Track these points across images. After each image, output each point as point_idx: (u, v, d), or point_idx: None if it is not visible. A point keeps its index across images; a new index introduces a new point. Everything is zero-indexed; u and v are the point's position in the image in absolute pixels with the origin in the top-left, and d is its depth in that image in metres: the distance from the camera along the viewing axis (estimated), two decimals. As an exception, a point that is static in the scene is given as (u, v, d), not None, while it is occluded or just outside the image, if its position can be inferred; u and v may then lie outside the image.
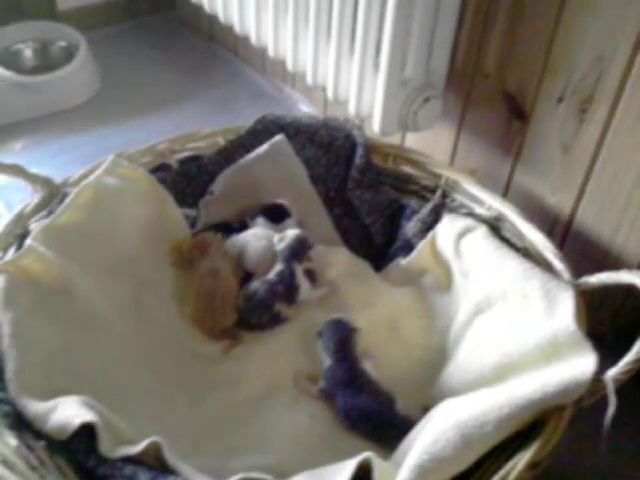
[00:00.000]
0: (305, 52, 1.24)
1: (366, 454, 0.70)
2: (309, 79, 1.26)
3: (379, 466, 0.68)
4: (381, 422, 0.85)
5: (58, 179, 1.01)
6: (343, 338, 0.90)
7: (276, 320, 0.97)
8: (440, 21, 1.07)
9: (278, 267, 0.98)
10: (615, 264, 1.00)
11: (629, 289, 0.96)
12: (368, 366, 0.90)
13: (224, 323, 0.97)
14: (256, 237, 1.03)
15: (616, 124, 0.96)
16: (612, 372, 0.72)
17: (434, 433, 0.70)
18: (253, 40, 1.37)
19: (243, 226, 1.09)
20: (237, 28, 1.40)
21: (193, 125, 1.22)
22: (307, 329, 0.95)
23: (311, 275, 1.01)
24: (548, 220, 1.10)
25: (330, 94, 1.21)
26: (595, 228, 1.04)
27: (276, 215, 1.08)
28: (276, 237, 1.01)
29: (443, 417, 0.73)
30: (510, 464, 0.68)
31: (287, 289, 0.97)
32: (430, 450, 0.68)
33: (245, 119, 1.18)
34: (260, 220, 1.08)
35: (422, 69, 1.10)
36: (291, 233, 1.01)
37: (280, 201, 1.08)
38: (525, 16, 1.02)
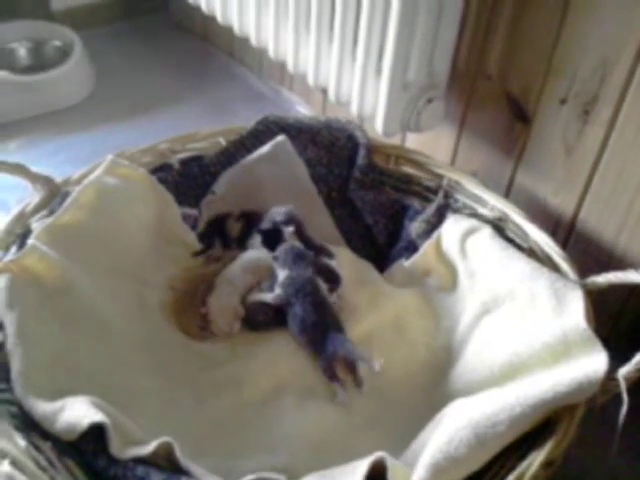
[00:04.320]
0: (307, 53, 1.23)
1: (379, 454, 0.69)
2: (310, 81, 1.25)
3: (393, 466, 0.68)
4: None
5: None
6: (299, 253, 0.97)
7: (280, 320, 0.96)
8: (443, 23, 1.07)
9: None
10: (618, 265, 1.00)
11: (631, 290, 0.96)
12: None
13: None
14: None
15: (619, 126, 0.96)
16: (624, 370, 0.72)
17: (448, 432, 0.70)
18: (253, 41, 1.35)
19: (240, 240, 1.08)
20: (236, 29, 1.38)
21: (188, 126, 1.20)
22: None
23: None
24: (550, 221, 1.10)
25: (332, 96, 1.21)
26: (598, 229, 1.05)
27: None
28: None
29: (455, 417, 0.73)
30: (525, 463, 0.68)
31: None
32: (444, 449, 0.68)
33: (241, 121, 1.17)
34: (257, 239, 1.05)
35: (425, 70, 1.10)
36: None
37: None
38: (528, 18, 1.02)
